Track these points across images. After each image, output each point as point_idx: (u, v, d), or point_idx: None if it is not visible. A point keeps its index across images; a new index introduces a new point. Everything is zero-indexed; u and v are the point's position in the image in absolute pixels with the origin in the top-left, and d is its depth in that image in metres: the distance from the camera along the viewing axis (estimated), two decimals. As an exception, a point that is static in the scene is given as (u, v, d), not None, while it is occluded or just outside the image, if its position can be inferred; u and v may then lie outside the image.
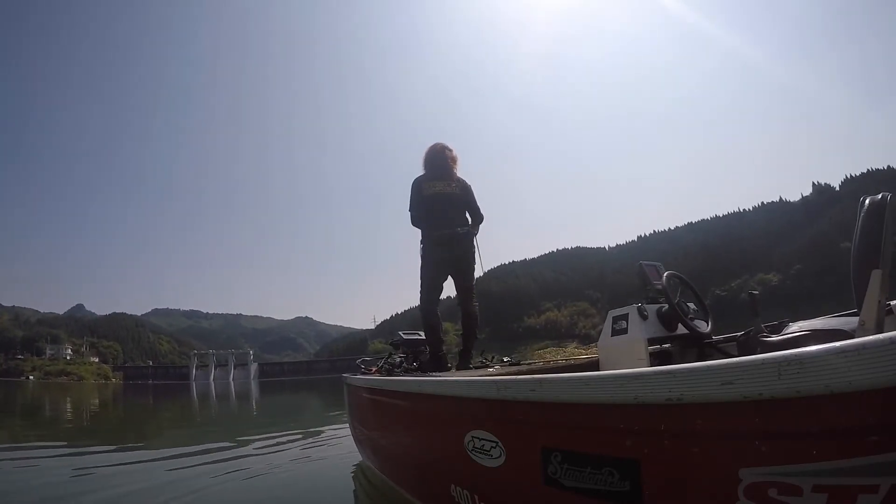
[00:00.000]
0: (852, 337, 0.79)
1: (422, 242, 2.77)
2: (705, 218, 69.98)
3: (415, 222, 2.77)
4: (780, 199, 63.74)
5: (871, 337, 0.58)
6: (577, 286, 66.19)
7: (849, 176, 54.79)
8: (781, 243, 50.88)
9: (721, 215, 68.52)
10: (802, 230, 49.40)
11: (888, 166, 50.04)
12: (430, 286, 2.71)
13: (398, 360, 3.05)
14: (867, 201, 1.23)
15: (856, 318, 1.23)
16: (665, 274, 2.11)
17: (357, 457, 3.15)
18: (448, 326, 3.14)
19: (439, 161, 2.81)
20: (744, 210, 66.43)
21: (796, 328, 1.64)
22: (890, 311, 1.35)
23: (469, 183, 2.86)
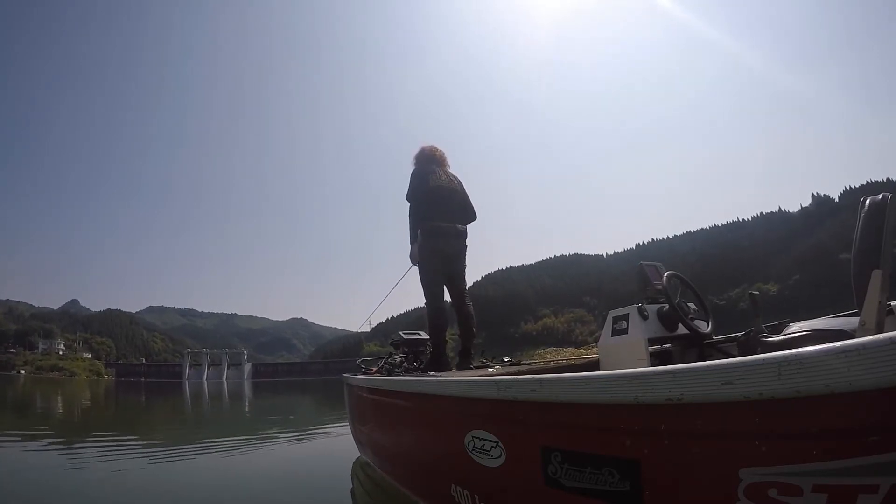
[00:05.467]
0: (853, 337, 0.79)
1: (419, 235, 2.68)
2: (704, 227, 70.16)
3: (415, 213, 2.70)
4: (780, 209, 64.09)
5: (871, 337, 0.58)
6: (575, 293, 66.15)
7: (848, 188, 55.17)
8: (780, 253, 51.08)
9: (720, 224, 68.74)
10: (801, 241, 49.61)
11: (888, 178, 50.48)
12: (432, 282, 2.66)
13: (399, 359, 3.05)
14: (868, 201, 1.24)
15: (856, 319, 1.23)
16: (665, 274, 2.11)
17: (355, 453, 3.14)
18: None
19: (436, 158, 2.84)
20: (743, 220, 66.70)
21: (797, 328, 1.64)
22: (890, 311, 1.36)
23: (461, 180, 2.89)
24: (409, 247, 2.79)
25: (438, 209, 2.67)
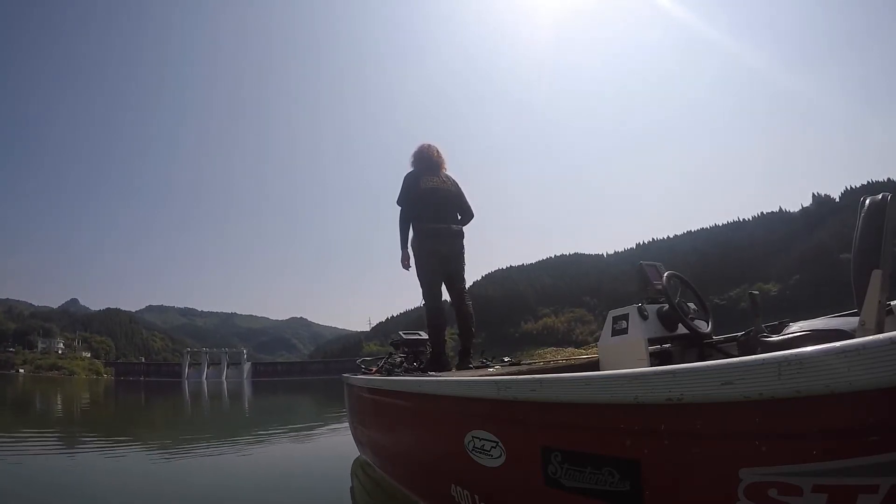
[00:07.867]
0: (852, 337, 0.79)
1: (413, 239, 2.71)
2: (704, 227, 70.05)
3: (405, 217, 2.72)
4: (780, 209, 64.04)
5: (871, 337, 0.58)
6: (575, 293, 66.16)
7: (849, 188, 55.14)
8: (780, 253, 51.09)
9: (720, 224, 68.71)
10: (801, 241, 49.60)
11: (888, 178, 50.53)
12: (430, 283, 2.67)
13: (398, 359, 3.05)
14: (867, 201, 1.24)
15: (856, 319, 1.23)
16: (665, 274, 2.12)
17: (355, 453, 3.14)
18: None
19: (433, 159, 2.84)
20: (743, 220, 66.66)
21: (796, 328, 1.64)
22: (890, 311, 1.35)
23: (456, 181, 2.89)
24: (399, 252, 2.78)
25: (432, 211, 2.68)
